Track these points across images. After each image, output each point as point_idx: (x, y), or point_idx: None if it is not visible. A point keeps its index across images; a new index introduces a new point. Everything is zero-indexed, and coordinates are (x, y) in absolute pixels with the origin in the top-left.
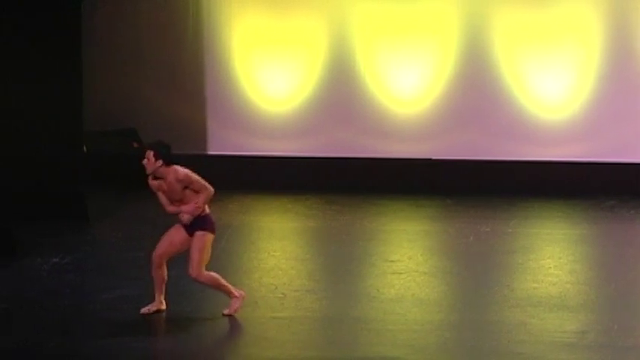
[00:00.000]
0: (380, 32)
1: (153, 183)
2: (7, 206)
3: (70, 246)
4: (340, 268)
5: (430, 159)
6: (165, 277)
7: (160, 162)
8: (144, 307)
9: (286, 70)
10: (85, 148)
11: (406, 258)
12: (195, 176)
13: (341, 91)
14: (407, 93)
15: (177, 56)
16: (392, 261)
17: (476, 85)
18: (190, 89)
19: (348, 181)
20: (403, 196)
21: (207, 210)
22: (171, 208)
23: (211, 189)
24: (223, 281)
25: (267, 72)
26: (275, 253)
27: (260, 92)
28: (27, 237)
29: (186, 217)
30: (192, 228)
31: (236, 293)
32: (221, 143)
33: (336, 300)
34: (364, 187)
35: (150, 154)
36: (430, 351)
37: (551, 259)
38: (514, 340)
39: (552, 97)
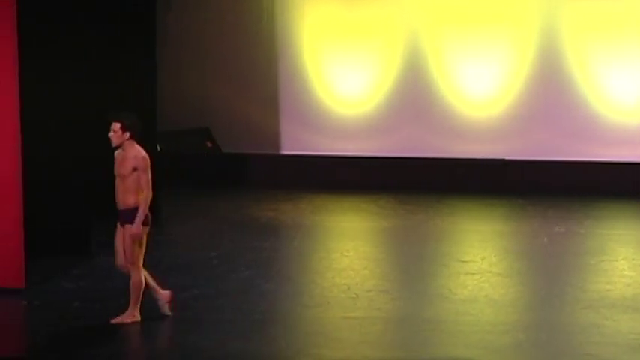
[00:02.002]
0: (453, 29)
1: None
2: (83, 205)
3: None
4: (413, 268)
5: (503, 159)
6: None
7: (128, 135)
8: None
9: (359, 70)
10: (158, 148)
11: (479, 258)
12: (148, 169)
13: (414, 91)
14: (480, 94)
15: (251, 56)
16: (464, 261)
17: (549, 86)
18: (263, 89)
19: (420, 181)
20: (475, 196)
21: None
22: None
23: (151, 193)
24: (152, 280)
25: (340, 72)
26: (347, 253)
27: (333, 92)
28: (100, 236)
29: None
30: (125, 220)
31: (163, 295)
32: (294, 143)
33: (408, 300)
34: (437, 187)
35: (117, 125)
36: (503, 352)
37: (624, 260)
38: (587, 341)
39: (626, 99)
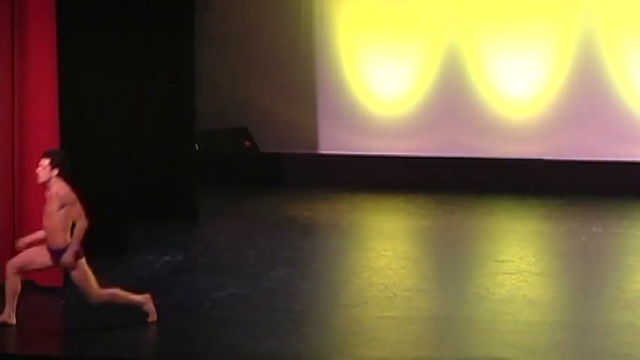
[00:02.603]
0: (493, 27)
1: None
2: (121, 204)
3: (182, 244)
4: (450, 267)
5: (541, 159)
6: (19, 289)
7: (56, 171)
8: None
9: (397, 69)
10: (196, 147)
11: (517, 258)
12: (77, 201)
13: (453, 90)
14: (519, 93)
15: (289, 55)
16: (502, 261)
17: (588, 86)
18: (301, 88)
19: (458, 180)
20: (513, 195)
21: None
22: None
23: (86, 221)
24: (123, 293)
25: (377, 71)
26: (385, 253)
27: (371, 91)
28: (139, 235)
29: (68, 260)
30: (59, 257)
31: (140, 299)
32: (332, 142)
33: (446, 300)
34: (475, 186)
35: (45, 161)
36: (540, 352)
37: None
38: (623, 341)
39: None
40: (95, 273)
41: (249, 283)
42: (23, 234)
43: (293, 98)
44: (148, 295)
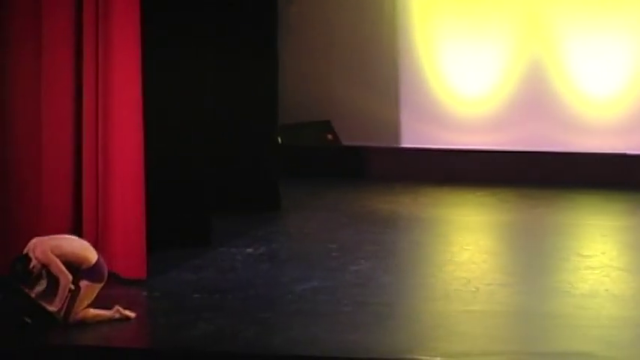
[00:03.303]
0: (578, 20)
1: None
2: (203, 197)
3: (264, 237)
4: (533, 262)
5: (625, 154)
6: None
7: None
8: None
9: (480, 63)
10: (279, 140)
11: (599, 253)
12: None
13: (536, 84)
14: (603, 88)
15: (372, 48)
16: (585, 256)
17: None
18: (384, 82)
19: (541, 174)
20: (596, 190)
21: (95, 259)
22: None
23: (69, 278)
24: (98, 312)
25: (461, 65)
26: (467, 247)
27: (454, 85)
28: (222, 227)
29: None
30: (79, 275)
31: (109, 313)
32: (414, 136)
33: (528, 294)
34: (558, 181)
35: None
36: (623, 347)
37: None
38: None
39: None
40: (179, 264)
41: (332, 276)
42: (107, 232)
43: (376, 92)
44: (115, 307)
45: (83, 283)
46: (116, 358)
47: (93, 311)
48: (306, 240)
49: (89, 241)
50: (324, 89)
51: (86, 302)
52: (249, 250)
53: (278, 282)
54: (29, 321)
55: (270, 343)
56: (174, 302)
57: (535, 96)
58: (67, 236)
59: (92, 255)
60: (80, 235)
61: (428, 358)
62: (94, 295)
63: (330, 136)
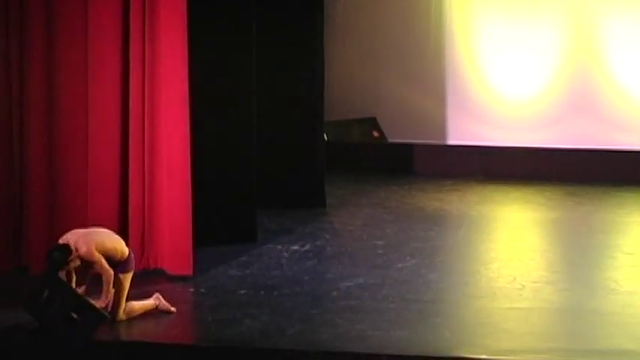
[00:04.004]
0: (626, 16)
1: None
2: (249, 193)
3: (310, 233)
4: (579, 259)
5: None
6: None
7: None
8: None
9: (527, 60)
10: (326, 137)
11: None
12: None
13: (582, 82)
14: None
15: (418, 45)
16: (631, 253)
17: None
18: (430, 78)
19: (588, 172)
20: None
21: (128, 251)
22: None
23: (111, 273)
24: (141, 303)
25: (507, 61)
26: (513, 244)
27: (500, 82)
28: (268, 224)
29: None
30: (117, 269)
31: (152, 301)
32: (460, 133)
33: (574, 292)
34: (604, 178)
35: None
36: None
37: None
38: None
39: None
40: (225, 260)
41: (378, 273)
42: (153, 229)
43: (422, 89)
44: (156, 295)
45: (122, 276)
46: (163, 355)
47: (137, 303)
48: (351, 237)
49: (136, 238)
50: (370, 86)
51: (125, 293)
52: (295, 246)
53: (324, 279)
54: (76, 317)
55: (316, 339)
56: (220, 299)
57: (582, 94)
58: (101, 230)
59: (125, 247)
60: (127, 232)
61: (473, 355)
62: (129, 284)
63: (375, 133)
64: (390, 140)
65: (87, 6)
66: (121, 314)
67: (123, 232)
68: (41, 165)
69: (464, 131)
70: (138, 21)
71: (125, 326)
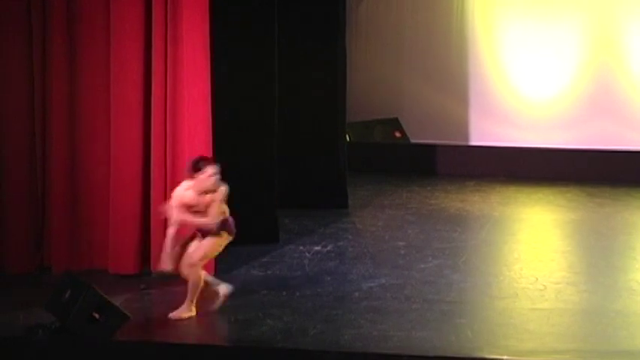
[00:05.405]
0: None
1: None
2: (272, 194)
3: (332, 234)
4: (601, 260)
5: None
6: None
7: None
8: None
9: (548, 62)
10: (348, 138)
11: None
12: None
13: (604, 83)
14: None
15: (441, 46)
16: None
17: None
18: (452, 79)
19: (609, 173)
20: None
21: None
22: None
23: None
24: (205, 274)
25: (529, 63)
26: (535, 245)
27: (522, 83)
28: (290, 225)
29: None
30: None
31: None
32: (482, 133)
33: (596, 293)
34: (626, 179)
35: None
36: None
37: None
38: None
39: None
40: (247, 261)
41: (400, 274)
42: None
43: (444, 89)
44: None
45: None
46: (185, 355)
47: (203, 272)
48: (373, 237)
49: (157, 238)
50: (392, 87)
51: (209, 255)
52: (317, 247)
53: (346, 279)
54: (98, 317)
55: (338, 339)
56: (242, 299)
57: (605, 95)
58: None
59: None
60: (148, 233)
61: (495, 356)
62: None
63: (398, 134)
64: (413, 141)
65: (109, 7)
66: (187, 264)
67: (145, 235)
68: (64, 166)
69: (486, 132)
70: (160, 22)
71: (146, 327)
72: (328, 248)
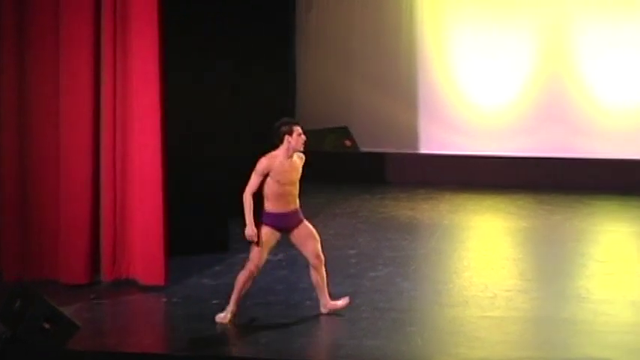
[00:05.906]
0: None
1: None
2: (221, 203)
3: (282, 243)
4: (551, 268)
5: None
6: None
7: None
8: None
9: (499, 69)
10: None
11: (617, 259)
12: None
13: (554, 90)
14: (619, 94)
15: (390, 55)
16: (603, 262)
17: None
18: (402, 88)
19: (560, 180)
20: (615, 196)
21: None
22: None
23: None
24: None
25: (479, 71)
26: (486, 253)
27: (472, 91)
28: (240, 234)
29: None
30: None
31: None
32: (432, 142)
33: (546, 300)
34: (575, 187)
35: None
36: None
37: None
38: None
39: None
40: (198, 270)
41: (351, 282)
42: (125, 239)
43: (394, 98)
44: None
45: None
46: None
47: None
48: (325, 246)
49: (108, 248)
50: (341, 96)
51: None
52: (268, 256)
53: (297, 288)
54: (48, 327)
55: (289, 348)
56: (193, 308)
57: (553, 103)
58: None
59: None
60: (98, 242)
61: None
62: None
63: (348, 142)
64: (363, 149)
65: (58, 18)
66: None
67: (95, 242)
68: (14, 176)
69: (436, 140)
70: (110, 32)
71: (97, 336)
72: (279, 257)
